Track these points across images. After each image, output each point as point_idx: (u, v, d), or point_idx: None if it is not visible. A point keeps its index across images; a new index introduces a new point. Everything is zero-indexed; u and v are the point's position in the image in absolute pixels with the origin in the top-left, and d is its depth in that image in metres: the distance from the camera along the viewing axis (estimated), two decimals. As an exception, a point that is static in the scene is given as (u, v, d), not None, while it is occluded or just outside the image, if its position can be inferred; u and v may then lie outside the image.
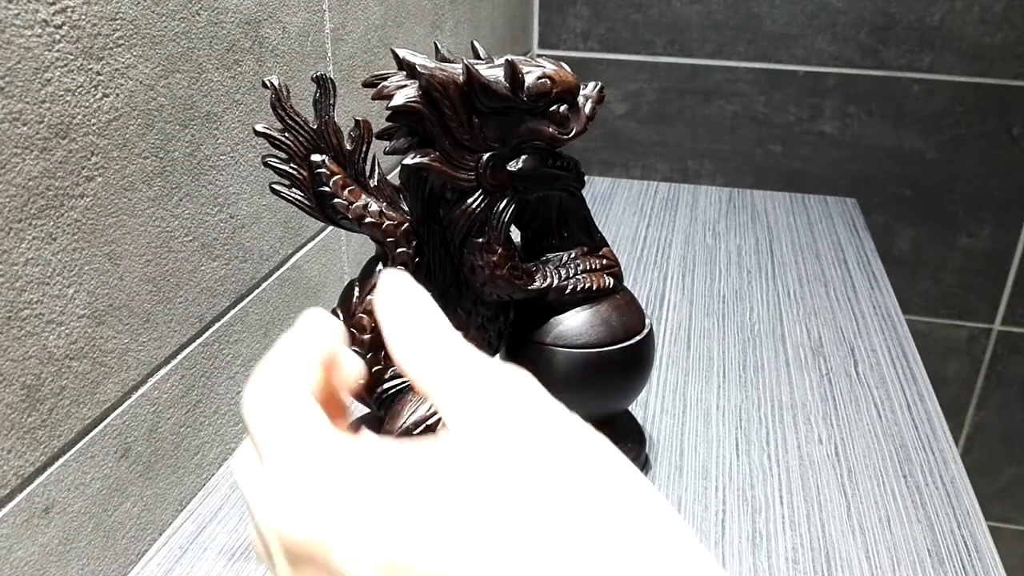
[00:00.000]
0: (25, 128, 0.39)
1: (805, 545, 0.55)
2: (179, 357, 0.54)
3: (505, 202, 0.49)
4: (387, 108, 0.45)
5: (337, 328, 0.28)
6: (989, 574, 0.53)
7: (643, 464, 0.62)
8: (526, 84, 0.46)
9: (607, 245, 0.55)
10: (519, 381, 0.25)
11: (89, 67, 0.42)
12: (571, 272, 0.53)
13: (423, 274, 0.50)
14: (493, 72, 0.46)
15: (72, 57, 0.41)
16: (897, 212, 1.30)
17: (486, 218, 0.48)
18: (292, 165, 0.45)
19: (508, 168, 0.48)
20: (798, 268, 0.95)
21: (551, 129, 0.48)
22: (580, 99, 0.49)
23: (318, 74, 0.44)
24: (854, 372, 0.74)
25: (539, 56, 0.49)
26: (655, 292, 0.89)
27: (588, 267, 0.53)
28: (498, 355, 0.56)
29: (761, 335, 0.80)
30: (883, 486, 0.60)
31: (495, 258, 0.49)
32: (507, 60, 0.46)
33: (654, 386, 0.71)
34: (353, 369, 0.29)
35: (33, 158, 0.39)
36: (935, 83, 1.23)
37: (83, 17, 0.41)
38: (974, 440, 1.41)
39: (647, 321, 0.55)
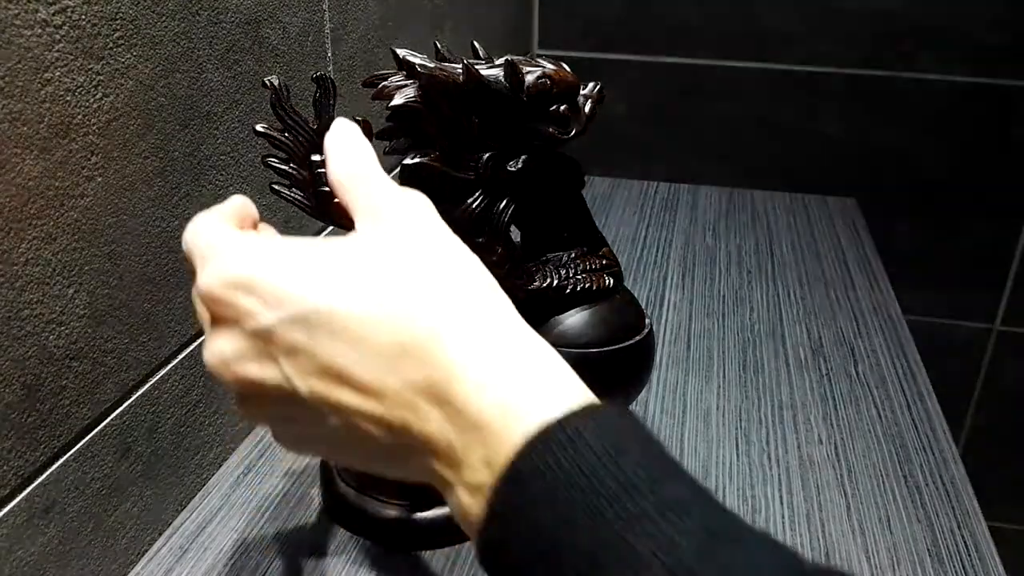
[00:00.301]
0: (25, 128, 0.39)
1: (805, 545, 0.55)
2: (179, 357, 0.54)
3: (505, 202, 0.49)
4: (387, 108, 0.45)
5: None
6: (989, 574, 0.53)
7: None
8: (526, 84, 0.46)
9: (607, 245, 0.55)
10: (411, 201, 0.36)
11: (89, 67, 0.42)
12: (571, 272, 0.53)
13: None
14: (493, 72, 0.46)
15: (72, 57, 0.41)
16: (897, 212, 1.30)
17: (486, 218, 0.48)
18: (292, 165, 0.45)
19: (508, 168, 0.48)
20: (798, 268, 0.95)
21: (551, 129, 0.48)
22: (580, 99, 0.49)
23: (318, 74, 0.44)
24: (854, 372, 0.74)
25: (539, 56, 0.49)
26: (655, 292, 0.89)
27: (588, 267, 0.53)
28: None
29: (761, 335, 0.80)
30: (883, 486, 0.60)
31: (495, 258, 0.49)
32: (507, 60, 0.46)
33: (654, 386, 0.71)
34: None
35: (33, 158, 0.39)
36: (935, 83, 1.23)
37: (83, 17, 0.41)
38: (974, 440, 1.41)
39: (647, 321, 0.55)
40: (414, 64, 0.44)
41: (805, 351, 0.78)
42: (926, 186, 1.28)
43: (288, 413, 0.35)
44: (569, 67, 0.49)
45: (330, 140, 0.38)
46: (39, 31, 0.39)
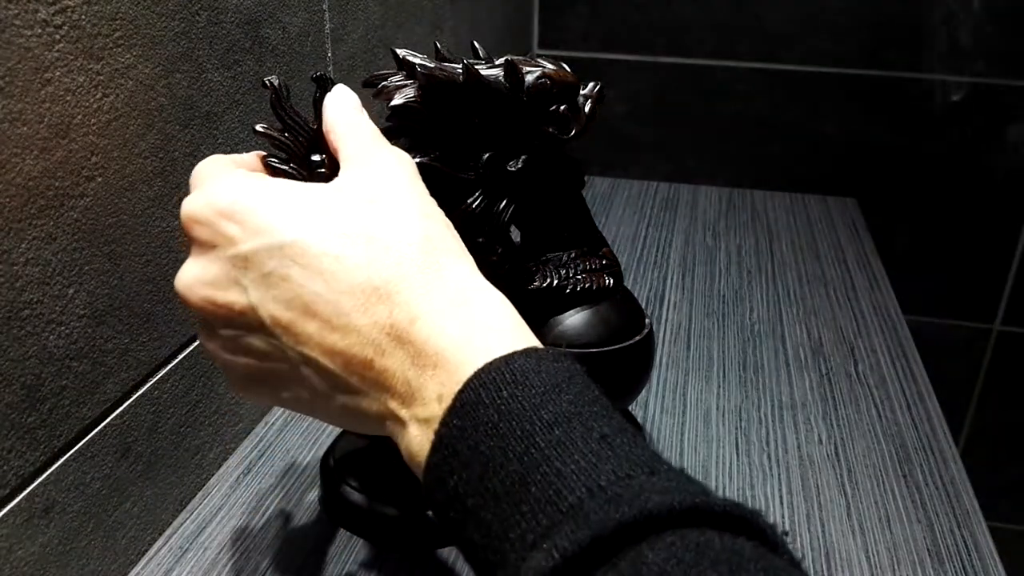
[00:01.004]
0: (25, 128, 0.39)
1: (805, 545, 0.55)
2: (179, 357, 0.54)
3: (505, 202, 0.49)
4: (387, 108, 0.45)
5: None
6: (989, 574, 0.53)
7: None
8: (526, 83, 0.46)
9: (606, 245, 0.55)
10: (396, 157, 0.38)
11: (89, 67, 0.42)
12: (571, 272, 0.53)
13: None
14: (493, 72, 0.46)
15: (72, 57, 0.41)
16: (897, 212, 1.30)
17: (486, 217, 0.48)
18: (292, 165, 0.45)
19: (508, 168, 0.48)
20: (798, 268, 0.95)
21: (551, 129, 0.48)
22: (580, 99, 0.49)
23: (318, 74, 0.44)
24: (854, 372, 0.74)
25: (539, 56, 0.49)
26: (655, 292, 0.89)
27: (588, 267, 0.53)
28: None
29: (761, 335, 0.80)
30: (883, 486, 0.60)
31: (494, 257, 0.49)
32: (507, 60, 0.46)
33: (654, 386, 0.71)
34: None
35: (33, 158, 0.39)
36: (935, 83, 1.23)
37: (83, 17, 0.41)
38: (974, 440, 1.41)
39: (647, 321, 0.55)
40: (414, 64, 0.44)
41: (805, 351, 0.78)
42: (926, 186, 1.28)
43: (247, 344, 0.36)
44: (569, 67, 0.48)
45: (331, 96, 0.42)
46: (39, 31, 0.39)
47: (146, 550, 0.53)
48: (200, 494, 0.58)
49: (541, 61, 0.48)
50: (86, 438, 0.46)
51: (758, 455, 0.63)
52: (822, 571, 0.53)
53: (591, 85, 0.50)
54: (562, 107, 0.48)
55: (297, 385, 0.36)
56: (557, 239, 0.54)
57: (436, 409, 0.32)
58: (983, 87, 1.22)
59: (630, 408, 0.65)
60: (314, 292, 0.34)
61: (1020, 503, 1.43)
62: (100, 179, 0.44)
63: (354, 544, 0.54)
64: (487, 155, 0.47)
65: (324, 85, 0.44)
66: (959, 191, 1.28)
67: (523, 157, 0.48)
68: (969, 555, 0.55)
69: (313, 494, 0.58)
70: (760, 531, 0.27)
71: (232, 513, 0.56)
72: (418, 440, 0.32)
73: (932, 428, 0.67)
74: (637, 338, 0.55)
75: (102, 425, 0.47)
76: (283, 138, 0.44)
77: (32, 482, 0.42)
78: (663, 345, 0.78)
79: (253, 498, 0.57)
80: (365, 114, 0.41)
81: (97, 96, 0.43)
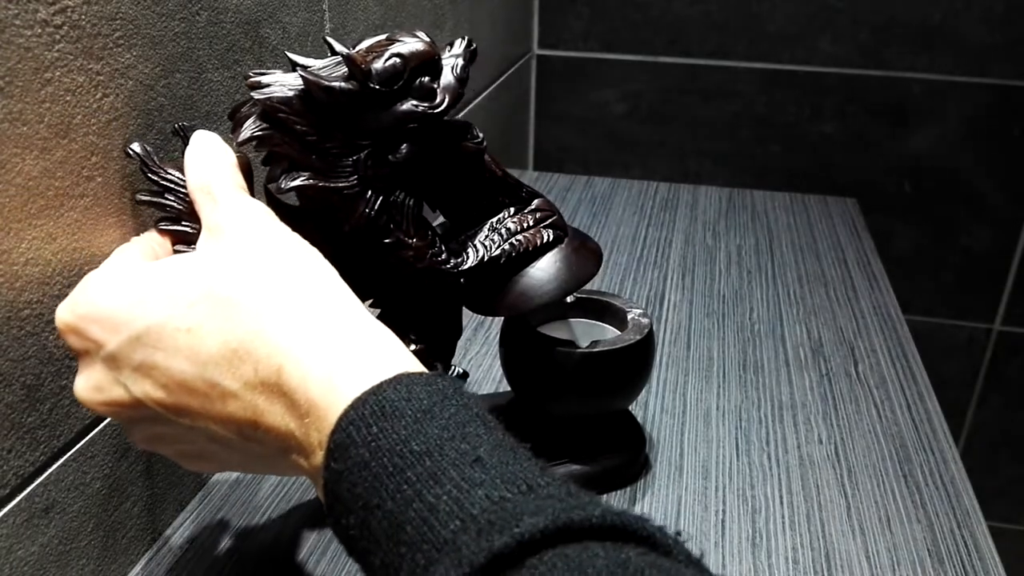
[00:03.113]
0: (25, 128, 0.39)
1: (805, 545, 0.55)
2: (179, 357, 0.54)
3: (402, 195, 0.46)
4: (237, 145, 0.43)
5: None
6: (989, 574, 0.53)
7: (643, 464, 0.62)
8: (374, 72, 0.43)
9: (539, 196, 0.52)
10: (249, 215, 0.38)
11: (89, 67, 0.42)
12: (503, 238, 0.50)
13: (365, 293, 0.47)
14: (339, 70, 0.43)
15: (72, 57, 0.41)
16: (897, 212, 1.30)
17: (388, 217, 0.45)
18: (183, 223, 0.43)
19: (390, 160, 0.44)
20: (798, 268, 0.95)
21: (420, 107, 0.44)
22: (447, 62, 0.46)
23: (176, 125, 0.43)
24: (854, 372, 0.74)
25: (399, 35, 0.45)
26: (655, 292, 0.89)
27: (520, 226, 0.50)
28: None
29: (761, 335, 0.80)
30: (883, 486, 0.60)
31: (411, 253, 0.46)
32: (344, 55, 0.42)
33: (654, 386, 0.71)
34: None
35: (33, 158, 0.39)
36: (935, 83, 1.23)
37: (83, 17, 0.41)
38: (974, 440, 1.41)
39: (598, 256, 0.53)
40: (256, 84, 0.42)
41: (805, 351, 0.78)
42: (926, 186, 1.28)
43: (159, 432, 0.37)
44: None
45: (187, 156, 0.41)
46: (39, 31, 0.39)
47: (146, 550, 0.53)
48: (200, 494, 0.58)
49: (395, 37, 0.44)
50: (86, 438, 0.46)
51: (758, 455, 0.63)
52: (822, 571, 0.53)
53: (458, 43, 0.47)
54: (426, 79, 0.44)
55: (223, 455, 0.37)
56: (478, 210, 0.50)
57: (320, 456, 0.31)
58: (983, 87, 1.22)
59: (630, 408, 0.65)
60: (181, 371, 0.34)
61: (1020, 503, 1.43)
62: (100, 179, 0.44)
63: (354, 544, 0.54)
64: (363, 154, 0.44)
65: (184, 138, 0.43)
66: (959, 191, 1.28)
67: (403, 145, 0.45)
68: (969, 555, 0.55)
69: (312, 494, 0.58)
70: (647, 537, 0.26)
71: (232, 513, 0.56)
72: (318, 488, 0.32)
73: (932, 428, 0.67)
74: (638, 338, 0.55)
75: (102, 425, 0.47)
76: (165, 200, 0.43)
77: (32, 482, 0.42)
78: (663, 345, 0.78)
79: (253, 498, 0.57)
80: (222, 164, 0.40)
81: (97, 96, 0.43)
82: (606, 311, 0.60)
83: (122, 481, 0.49)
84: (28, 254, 0.40)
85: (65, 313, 0.37)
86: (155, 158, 0.43)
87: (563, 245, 0.51)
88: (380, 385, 0.31)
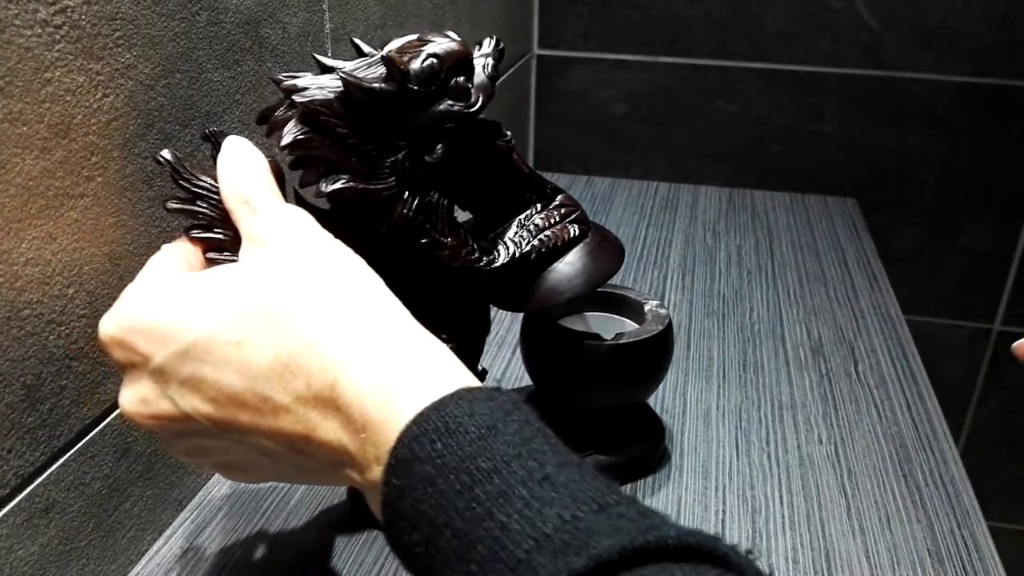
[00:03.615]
0: (25, 128, 0.39)
1: (805, 545, 0.55)
2: (179, 357, 0.54)
3: (436, 195, 0.46)
4: (279, 150, 0.42)
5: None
6: (989, 574, 0.53)
7: (661, 456, 0.62)
8: (412, 72, 0.43)
9: (561, 191, 0.52)
10: (290, 223, 0.37)
11: (89, 67, 0.42)
12: (532, 234, 0.50)
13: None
14: (374, 71, 0.43)
15: (72, 57, 0.41)
16: (897, 212, 1.30)
17: (423, 217, 0.46)
18: (216, 230, 0.42)
19: (427, 160, 0.45)
20: (798, 268, 0.95)
21: (456, 107, 0.44)
22: (478, 62, 0.46)
23: (207, 131, 0.42)
24: (854, 372, 0.74)
25: (430, 36, 0.45)
26: (655, 292, 0.89)
27: (548, 223, 0.51)
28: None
29: (761, 335, 0.80)
30: (883, 486, 0.60)
31: (446, 252, 0.47)
32: (383, 56, 0.43)
33: (654, 386, 0.71)
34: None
35: (33, 158, 0.39)
36: (935, 83, 1.23)
37: (83, 17, 0.41)
38: (974, 440, 1.41)
39: (623, 256, 0.54)
40: (292, 88, 0.42)
41: (805, 351, 0.78)
42: (926, 186, 1.28)
43: (205, 445, 0.37)
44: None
45: (220, 163, 0.40)
46: (39, 31, 0.39)
47: (146, 550, 0.53)
48: (200, 494, 0.58)
49: (427, 38, 0.44)
50: (86, 438, 0.46)
51: (758, 455, 0.63)
52: (822, 571, 0.53)
53: (486, 43, 0.47)
54: (460, 79, 0.45)
55: (271, 467, 0.37)
56: (507, 207, 0.51)
57: (378, 472, 0.31)
58: (983, 87, 1.22)
59: (648, 401, 0.65)
60: (231, 384, 0.33)
61: (1020, 503, 1.43)
62: (100, 179, 0.44)
63: (354, 544, 0.54)
64: (401, 155, 0.44)
65: (215, 143, 0.42)
66: (959, 191, 1.28)
67: (438, 145, 0.45)
68: (969, 555, 0.55)
69: (313, 494, 0.58)
70: (721, 556, 0.26)
71: (232, 513, 0.56)
72: (374, 502, 0.32)
73: (932, 428, 0.67)
74: (660, 328, 0.56)
75: (102, 425, 0.47)
76: (196, 207, 0.42)
77: (32, 482, 0.42)
78: (663, 345, 0.78)
79: (253, 498, 0.57)
80: (257, 171, 0.40)
81: (97, 96, 0.43)
82: (622, 304, 0.61)
83: (122, 481, 0.49)
84: (28, 254, 0.40)
85: (110, 326, 0.36)
86: (185, 164, 0.42)
87: (588, 239, 0.52)
88: (442, 400, 0.30)
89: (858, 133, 1.27)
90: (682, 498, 0.59)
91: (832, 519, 0.57)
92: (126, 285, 0.47)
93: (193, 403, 0.34)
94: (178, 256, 0.40)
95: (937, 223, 1.30)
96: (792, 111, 1.28)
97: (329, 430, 0.32)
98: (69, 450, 0.45)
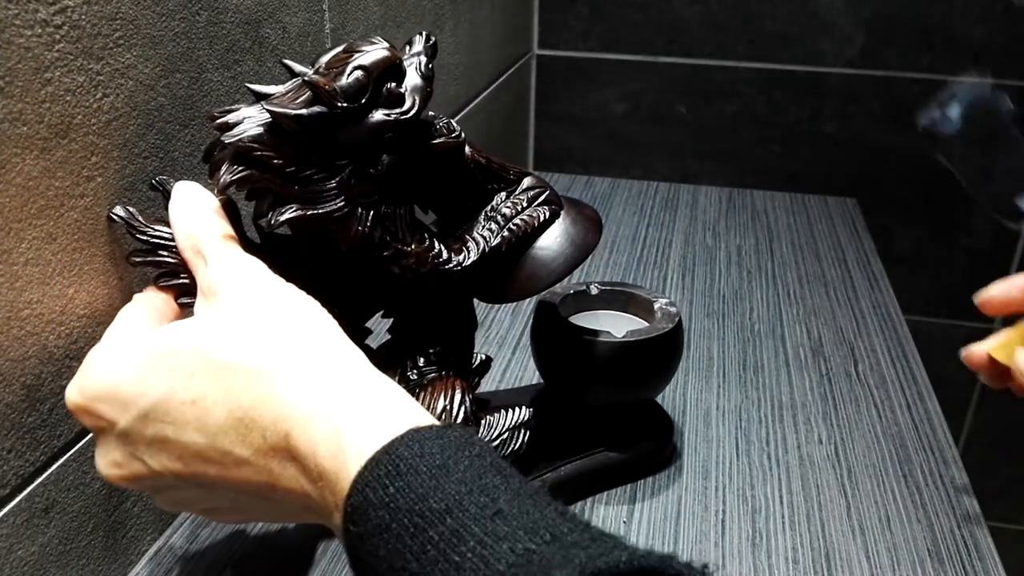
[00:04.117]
0: (25, 128, 0.39)
1: (805, 545, 0.55)
2: (179, 357, 0.54)
3: (391, 205, 0.45)
4: (217, 192, 0.42)
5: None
6: (989, 574, 0.53)
7: (671, 454, 0.62)
8: (339, 90, 0.41)
9: (528, 174, 0.51)
10: (241, 275, 0.38)
11: (89, 67, 0.42)
12: (500, 225, 0.49)
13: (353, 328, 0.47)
14: (302, 94, 0.42)
15: (72, 57, 0.41)
16: (897, 212, 1.30)
17: (382, 230, 0.45)
18: (182, 276, 0.42)
19: (372, 174, 0.43)
20: (798, 268, 0.95)
21: (391, 116, 0.43)
22: (410, 62, 0.44)
23: (154, 180, 0.43)
24: (854, 372, 0.74)
25: (357, 44, 0.43)
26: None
27: (516, 210, 0.50)
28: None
29: (761, 335, 0.80)
30: (883, 486, 0.60)
31: (412, 260, 0.46)
32: (304, 80, 0.41)
33: (654, 386, 0.71)
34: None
35: (33, 158, 0.39)
36: (935, 83, 1.23)
37: (83, 17, 0.41)
38: (974, 440, 1.41)
39: (600, 232, 0.53)
40: (224, 126, 0.41)
41: (805, 351, 0.78)
42: (926, 186, 1.28)
43: (183, 497, 0.38)
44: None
45: (171, 212, 0.42)
46: (39, 31, 0.39)
47: (146, 550, 0.53)
48: (200, 494, 0.58)
49: (356, 47, 0.43)
50: (86, 438, 0.46)
51: (758, 455, 0.63)
52: (822, 571, 0.53)
53: (417, 40, 0.45)
54: (391, 85, 0.43)
55: (251, 511, 0.38)
56: (471, 201, 0.50)
57: (339, 518, 0.31)
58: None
59: (657, 399, 0.65)
60: (194, 442, 0.34)
61: (1020, 503, 1.43)
62: (100, 179, 0.44)
63: (354, 544, 0.54)
64: (345, 174, 0.43)
65: (164, 192, 0.42)
66: (959, 191, 1.28)
67: (383, 156, 0.43)
68: (969, 555, 0.55)
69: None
70: (675, 575, 0.26)
71: (232, 513, 0.56)
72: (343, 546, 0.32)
73: (932, 428, 0.67)
74: (670, 326, 0.56)
75: (102, 425, 0.47)
76: (158, 257, 0.42)
77: (32, 482, 0.42)
78: (663, 345, 0.78)
79: (253, 498, 0.57)
80: (206, 217, 0.40)
81: (97, 96, 0.43)
82: (631, 301, 0.61)
83: (122, 481, 0.49)
84: (28, 254, 0.40)
85: (73, 394, 0.37)
86: (140, 218, 0.43)
87: (560, 219, 0.51)
88: (392, 443, 0.30)
89: (858, 133, 1.27)
90: (682, 498, 0.59)
91: (832, 519, 0.57)
92: (126, 285, 0.47)
93: (162, 461, 0.36)
94: (146, 308, 0.41)
95: (937, 223, 1.30)
96: (792, 111, 1.28)
97: (291, 479, 0.33)
98: (69, 450, 0.45)
